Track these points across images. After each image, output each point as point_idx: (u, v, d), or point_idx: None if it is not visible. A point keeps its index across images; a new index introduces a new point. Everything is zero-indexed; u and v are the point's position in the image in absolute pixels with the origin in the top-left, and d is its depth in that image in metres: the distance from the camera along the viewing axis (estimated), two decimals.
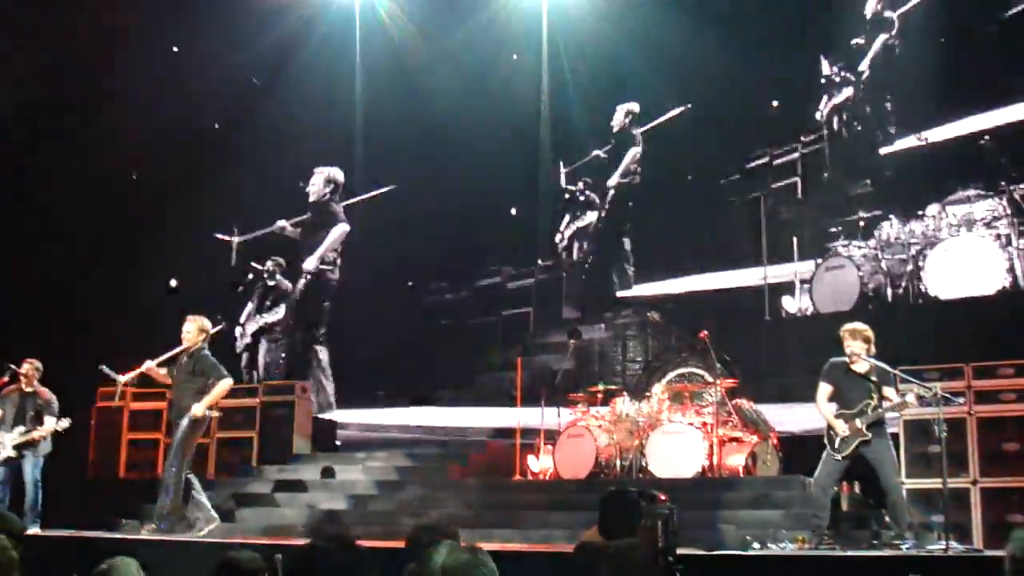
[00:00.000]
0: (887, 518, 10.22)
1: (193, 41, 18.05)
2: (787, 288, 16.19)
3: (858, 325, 10.24)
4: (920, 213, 15.08)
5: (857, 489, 11.23)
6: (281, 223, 18.52)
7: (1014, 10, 15.35)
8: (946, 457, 9.77)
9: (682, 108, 17.59)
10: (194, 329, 11.80)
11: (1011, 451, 11.16)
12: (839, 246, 15.60)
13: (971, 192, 14.86)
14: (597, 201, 18.60)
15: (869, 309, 14.66)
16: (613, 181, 18.45)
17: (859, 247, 15.43)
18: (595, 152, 18.70)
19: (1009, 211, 14.36)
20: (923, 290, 14.76)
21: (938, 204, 14.95)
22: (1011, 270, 14.05)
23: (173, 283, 19.09)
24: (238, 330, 19.06)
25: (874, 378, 10.11)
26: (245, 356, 19.02)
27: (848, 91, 16.55)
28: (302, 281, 18.51)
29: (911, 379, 10.35)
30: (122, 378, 11.97)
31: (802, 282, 15.90)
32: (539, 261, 19.08)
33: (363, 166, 19.12)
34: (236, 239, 18.95)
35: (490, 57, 18.59)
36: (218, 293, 18.76)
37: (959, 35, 15.35)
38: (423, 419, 18.16)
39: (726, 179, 17.28)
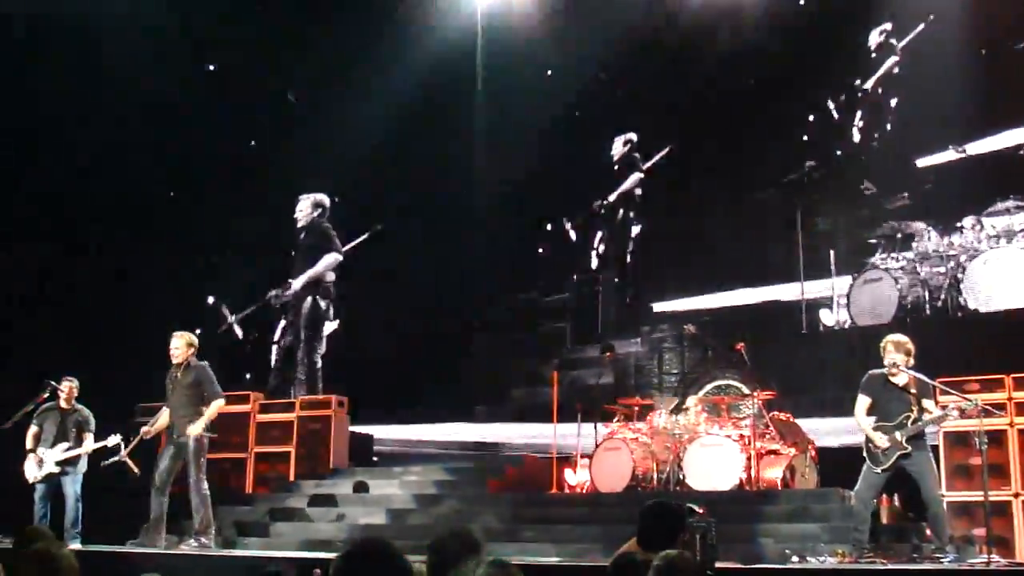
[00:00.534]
0: (928, 531, 10.14)
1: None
2: (824, 302, 16.11)
3: (902, 337, 10.17)
4: (959, 225, 14.99)
5: (897, 502, 11.15)
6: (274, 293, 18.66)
7: None
8: (987, 469, 9.70)
9: (668, 148, 17.82)
10: (182, 345, 12.05)
11: None
12: (877, 259, 15.53)
13: (1010, 204, 14.78)
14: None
15: (907, 322, 14.56)
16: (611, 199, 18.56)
17: (897, 260, 15.35)
18: (596, 203, 18.79)
19: None
20: (962, 303, 14.67)
21: (976, 216, 14.87)
22: None
23: (211, 300, 19.29)
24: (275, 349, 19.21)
25: (913, 390, 10.03)
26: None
27: (886, 105, 16.46)
28: (289, 293, 18.61)
29: (951, 391, 10.27)
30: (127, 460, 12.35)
31: (839, 295, 15.82)
32: (575, 276, 19.06)
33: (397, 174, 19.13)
34: (231, 317, 19.07)
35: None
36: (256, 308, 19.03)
37: (998, 47, 15.25)
38: (459, 434, 18.18)
39: (762, 192, 17.16)
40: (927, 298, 15.09)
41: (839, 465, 11.77)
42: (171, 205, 18.69)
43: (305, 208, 18.39)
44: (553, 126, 18.59)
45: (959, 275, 14.75)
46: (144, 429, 12.26)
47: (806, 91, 16.96)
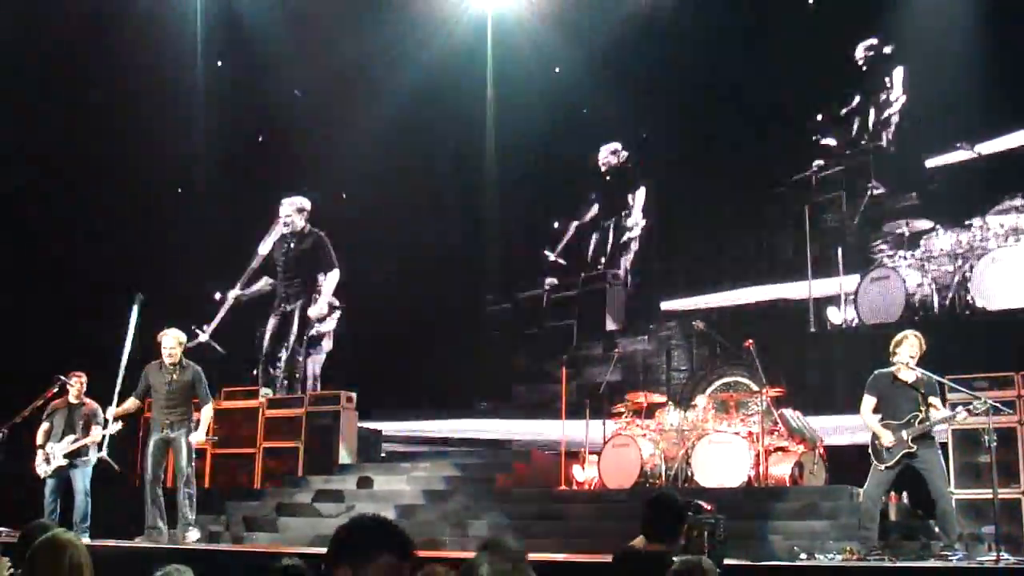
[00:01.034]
0: (936, 529, 10.15)
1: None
2: (832, 300, 16.11)
3: (918, 333, 10.19)
4: (967, 223, 14.99)
5: (906, 500, 11.15)
6: (234, 293, 18.59)
7: None
8: (996, 467, 9.71)
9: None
10: (175, 343, 12.19)
11: None
12: (884, 257, 15.54)
13: (1018, 202, 14.76)
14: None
15: (915, 320, 14.57)
16: (630, 223, 18.54)
17: (905, 258, 15.36)
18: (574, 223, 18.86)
19: None
20: (970, 301, 14.68)
21: (985, 215, 14.87)
22: None
23: (218, 296, 19.30)
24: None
25: (922, 389, 10.06)
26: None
27: (895, 105, 16.42)
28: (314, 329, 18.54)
29: (960, 388, 10.28)
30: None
31: (847, 294, 15.83)
32: (582, 273, 19.05)
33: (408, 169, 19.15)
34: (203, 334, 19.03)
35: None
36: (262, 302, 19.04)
37: (1007, 46, 15.21)
38: (466, 430, 18.20)
39: (770, 191, 17.14)
40: (935, 296, 15.09)
41: (848, 463, 11.80)
42: (179, 200, 18.76)
43: (291, 212, 18.36)
44: (560, 123, 18.56)
45: (967, 273, 14.76)
46: (111, 413, 12.34)
47: (815, 90, 16.91)
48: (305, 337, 17.28)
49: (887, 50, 16.34)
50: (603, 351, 17.64)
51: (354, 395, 15.31)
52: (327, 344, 19.24)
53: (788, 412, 12.88)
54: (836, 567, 9.43)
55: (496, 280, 19.62)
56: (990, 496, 9.85)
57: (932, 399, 10.06)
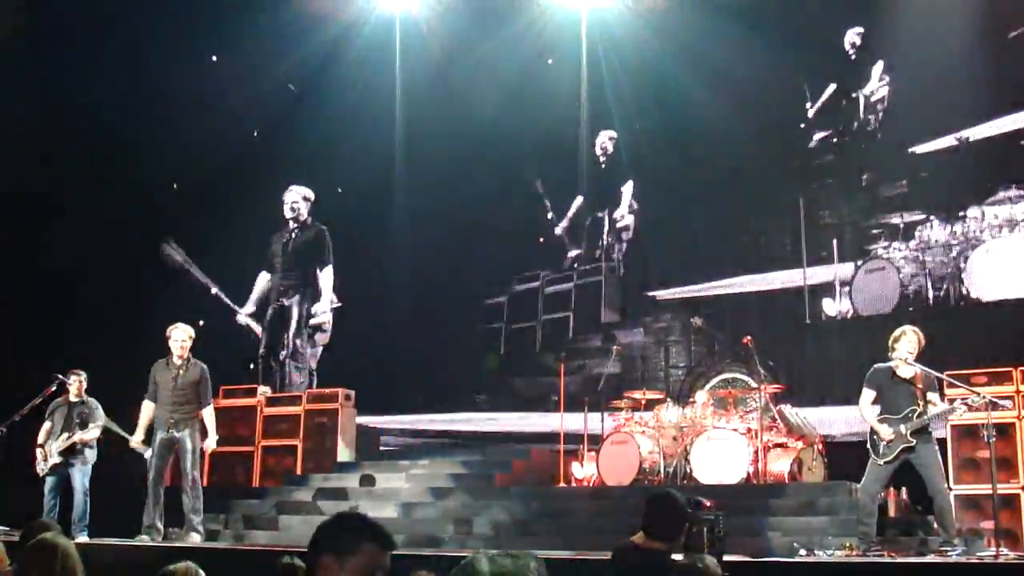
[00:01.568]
0: (935, 524, 10.19)
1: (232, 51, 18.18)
2: (827, 290, 16.14)
3: (916, 329, 10.21)
4: (961, 214, 15.03)
5: (904, 495, 11.19)
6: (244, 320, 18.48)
7: None
8: (995, 462, 9.75)
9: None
10: (187, 338, 12.22)
11: None
12: (879, 248, 15.58)
13: (1012, 193, 14.80)
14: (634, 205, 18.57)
15: (910, 311, 14.62)
16: (618, 214, 18.56)
17: (899, 249, 15.40)
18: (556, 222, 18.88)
19: None
20: (964, 292, 14.73)
21: (979, 205, 14.91)
22: None
23: (214, 291, 19.26)
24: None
25: (920, 384, 10.09)
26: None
27: (882, 91, 16.43)
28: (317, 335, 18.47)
29: (959, 383, 10.31)
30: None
31: (842, 284, 15.87)
32: (576, 265, 19.06)
33: (404, 167, 19.11)
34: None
35: (528, 64, 18.57)
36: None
37: (996, 33, 15.21)
38: (463, 424, 18.22)
39: (764, 181, 17.14)
40: (929, 287, 15.15)
41: (847, 458, 11.83)
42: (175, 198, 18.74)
43: (297, 200, 18.26)
44: (557, 112, 18.56)
45: (961, 264, 14.82)
46: (135, 443, 12.34)
47: (805, 78, 16.92)
48: (305, 331, 17.20)
49: (875, 37, 16.35)
50: (602, 343, 17.65)
51: (352, 393, 15.32)
52: (322, 339, 19.19)
53: (787, 408, 12.93)
54: (835, 563, 9.46)
55: (492, 273, 19.59)
56: (989, 491, 9.90)
57: (931, 394, 10.09)
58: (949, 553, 9.46)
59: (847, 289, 15.75)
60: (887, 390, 10.20)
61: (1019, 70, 14.89)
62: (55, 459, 12.73)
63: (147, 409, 12.26)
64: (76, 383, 13.03)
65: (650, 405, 13.65)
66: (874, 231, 15.90)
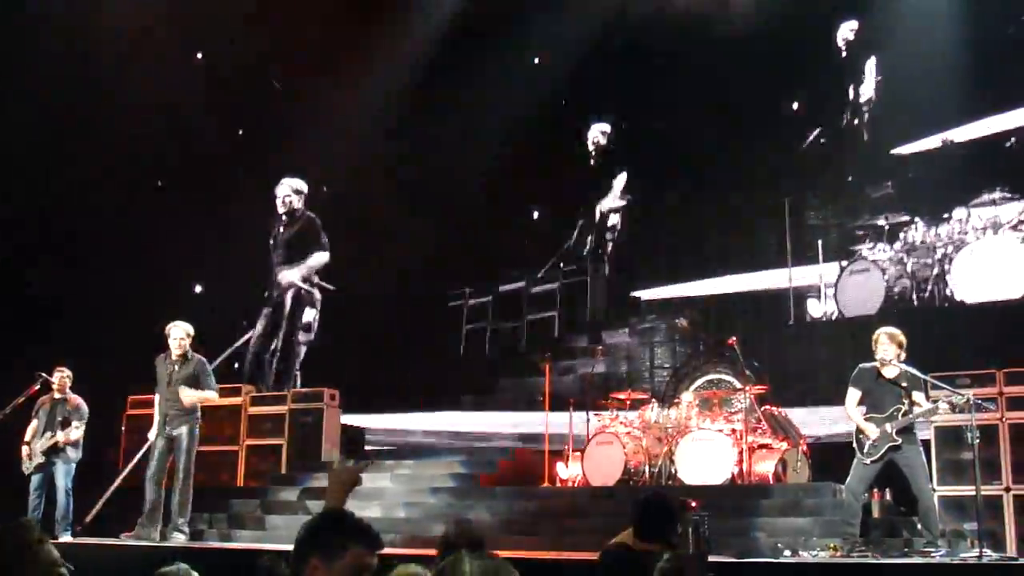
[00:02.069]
0: (919, 525, 10.21)
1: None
2: (812, 291, 16.18)
3: (895, 330, 10.26)
4: (946, 216, 15.08)
5: (888, 496, 11.22)
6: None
7: None
8: (979, 464, 9.78)
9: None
10: (184, 335, 12.16)
11: None
12: (864, 249, 15.62)
13: (996, 195, 14.84)
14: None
15: (894, 313, 14.65)
16: (606, 206, 18.53)
17: (884, 251, 15.44)
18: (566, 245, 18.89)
19: None
20: (949, 294, 14.78)
21: (964, 207, 14.95)
22: None
23: (198, 288, 19.24)
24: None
25: (904, 384, 10.12)
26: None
27: (869, 92, 16.47)
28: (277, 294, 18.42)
29: (943, 385, 10.34)
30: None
31: (827, 285, 15.90)
32: (561, 264, 19.05)
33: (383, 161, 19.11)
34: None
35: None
36: (242, 298, 18.98)
37: (982, 34, 15.25)
38: (448, 424, 18.20)
39: (750, 181, 17.15)
40: (914, 289, 15.19)
41: (831, 459, 11.86)
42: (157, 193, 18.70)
43: (288, 193, 18.26)
44: (540, 111, 18.54)
45: (946, 266, 14.86)
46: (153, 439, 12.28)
47: (792, 77, 16.95)
48: (298, 327, 17.25)
49: (864, 36, 16.38)
50: (588, 343, 17.65)
51: (337, 393, 15.31)
52: (305, 338, 19.19)
53: (771, 410, 12.95)
54: (820, 564, 9.48)
55: (478, 273, 19.58)
56: (973, 493, 9.93)
57: (915, 394, 10.13)
58: (933, 554, 9.49)
59: (832, 290, 15.77)
60: (872, 390, 10.25)
61: (1004, 71, 14.92)
62: (39, 458, 12.70)
63: (159, 403, 12.27)
64: (59, 380, 13.00)
65: (635, 405, 13.66)
66: (859, 232, 15.93)
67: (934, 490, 10.50)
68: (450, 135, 18.60)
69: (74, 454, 12.89)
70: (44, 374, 13.02)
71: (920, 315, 14.89)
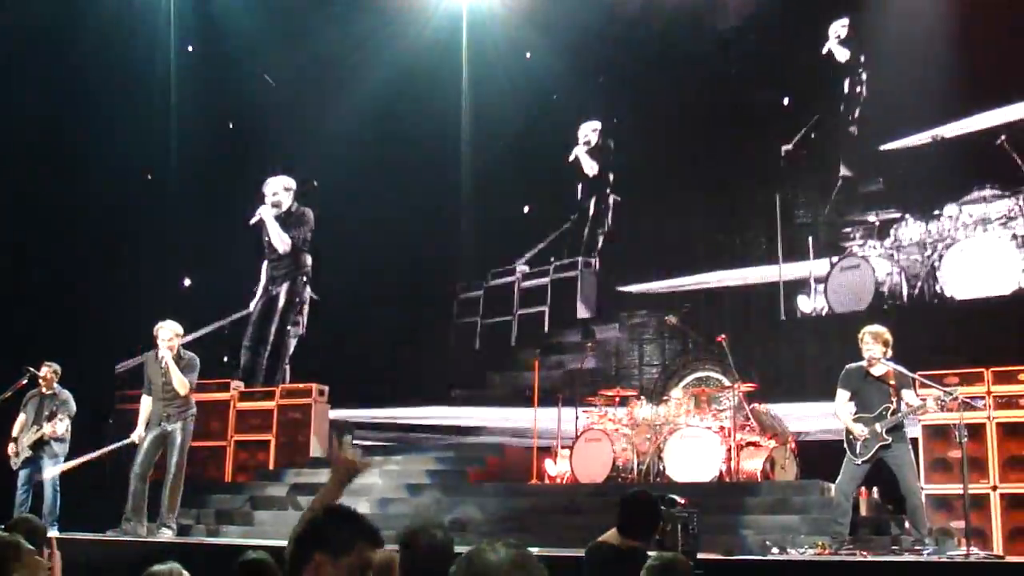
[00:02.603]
0: (907, 523, 10.23)
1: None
2: (802, 287, 16.15)
3: (879, 328, 10.26)
4: (936, 213, 15.07)
5: (876, 494, 11.23)
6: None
7: None
8: (966, 462, 9.79)
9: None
10: (172, 334, 12.04)
11: None
12: (854, 245, 15.61)
13: (987, 192, 14.83)
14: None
15: (884, 309, 14.67)
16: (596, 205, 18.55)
17: (875, 247, 15.44)
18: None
19: None
20: (939, 290, 14.78)
21: (954, 204, 14.94)
22: None
23: (187, 282, 19.19)
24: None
25: (892, 382, 10.13)
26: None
27: (858, 87, 16.44)
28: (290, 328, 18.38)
29: (931, 383, 10.35)
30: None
31: (817, 281, 15.89)
32: (552, 259, 18.99)
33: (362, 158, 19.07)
34: None
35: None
36: (233, 291, 18.95)
37: (973, 28, 15.22)
38: (437, 418, 18.17)
39: (740, 177, 17.12)
40: (904, 285, 15.18)
41: (819, 457, 11.87)
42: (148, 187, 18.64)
43: (278, 191, 18.19)
44: (533, 110, 18.52)
45: (936, 263, 14.86)
46: (138, 437, 12.21)
47: (783, 74, 16.93)
48: (291, 319, 17.21)
49: (855, 33, 16.35)
50: (580, 338, 17.60)
51: (326, 388, 15.30)
52: (294, 331, 19.16)
53: (760, 407, 12.94)
54: (808, 561, 9.51)
55: (468, 267, 19.53)
56: (960, 491, 9.94)
57: (905, 392, 10.14)
58: (921, 552, 9.50)
59: (822, 286, 15.76)
60: (861, 389, 10.25)
61: (994, 68, 14.90)
62: (26, 452, 12.66)
63: (145, 403, 12.16)
64: (47, 374, 12.96)
65: (624, 402, 13.65)
66: (849, 228, 15.91)
67: (922, 488, 10.50)
68: (441, 130, 18.57)
69: (60, 448, 12.83)
70: (32, 368, 12.97)
71: (910, 311, 14.88)
